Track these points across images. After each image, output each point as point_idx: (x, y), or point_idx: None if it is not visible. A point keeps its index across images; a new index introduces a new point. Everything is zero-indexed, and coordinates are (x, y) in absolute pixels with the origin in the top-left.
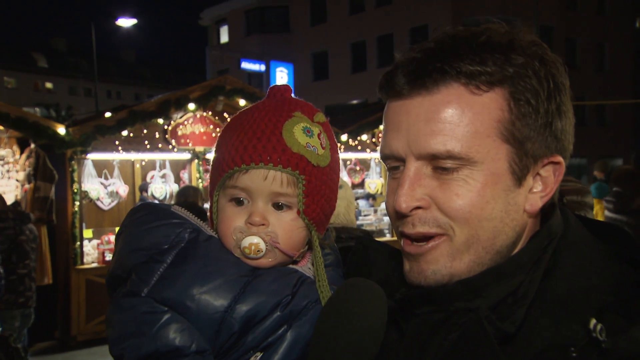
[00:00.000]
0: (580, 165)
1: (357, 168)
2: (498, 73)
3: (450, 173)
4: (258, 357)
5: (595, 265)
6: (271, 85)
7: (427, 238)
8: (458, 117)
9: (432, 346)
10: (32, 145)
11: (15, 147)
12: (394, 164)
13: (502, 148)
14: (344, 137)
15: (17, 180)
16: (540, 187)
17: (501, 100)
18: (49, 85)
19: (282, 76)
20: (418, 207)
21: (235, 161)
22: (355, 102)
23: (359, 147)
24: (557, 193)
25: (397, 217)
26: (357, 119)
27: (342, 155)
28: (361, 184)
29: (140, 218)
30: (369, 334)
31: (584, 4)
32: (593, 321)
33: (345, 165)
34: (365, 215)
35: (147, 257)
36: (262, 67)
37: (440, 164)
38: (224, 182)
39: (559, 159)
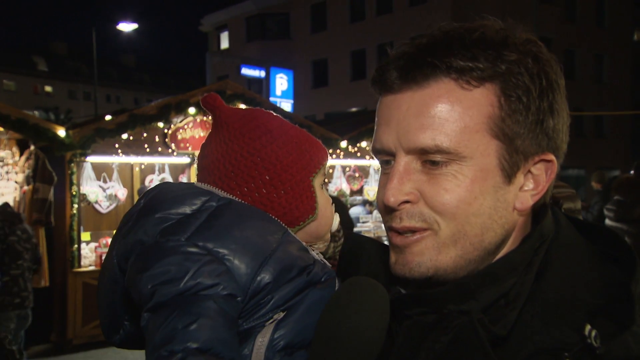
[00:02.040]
0: (578, 176)
1: (356, 175)
2: (489, 69)
3: (439, 167)
4: (281, 316)
5: (586, 267)
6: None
7: (412, 232)
8: (447, 111)
9: (424, 348)
10: (32, 147)
11: (15, 149)
12: (385, 158)
13: (492, 144)
14: (343, 144)
15: (16, 182)
16: (531, 185)
17: (491, 96)
18: (48, 88)
19: (281, 82)
20: (406, 202)
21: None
22: (354, 109)
23: (359, 154)
24: (549, 192)
25: (387, 211)
26: (357, 126)
27: (341, 162)
28: (360, 191)
29: (163, 189)
30: (373, 332)
31: (583, 16)
32: (588, 327)
33: (344, 172)
34: (363, 222)
35: (177, 219)
36: (262, 73)
37: (430, 158)
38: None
39: (551, 157)
